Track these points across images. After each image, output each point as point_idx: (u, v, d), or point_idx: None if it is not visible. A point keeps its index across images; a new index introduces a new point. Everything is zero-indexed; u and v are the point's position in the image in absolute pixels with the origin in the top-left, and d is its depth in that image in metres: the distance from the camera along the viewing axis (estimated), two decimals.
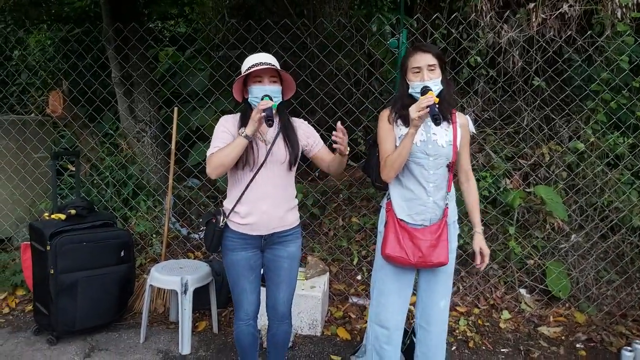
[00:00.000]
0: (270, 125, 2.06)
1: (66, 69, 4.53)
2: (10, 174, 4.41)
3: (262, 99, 2.13)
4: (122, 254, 3.38)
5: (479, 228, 2.44)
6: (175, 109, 3.80)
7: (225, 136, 2.25)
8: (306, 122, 2.46)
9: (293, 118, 2.42)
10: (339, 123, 2.11)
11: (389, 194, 2.36)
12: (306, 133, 2.40)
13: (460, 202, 3.63)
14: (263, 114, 2.05)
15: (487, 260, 2.41)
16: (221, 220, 2.30)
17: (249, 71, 2.21)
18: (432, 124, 2.21)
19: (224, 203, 2.38)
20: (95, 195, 4.40)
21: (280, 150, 2.28)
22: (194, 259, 4.06)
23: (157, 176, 4.60)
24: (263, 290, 2.47)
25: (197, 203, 4.31)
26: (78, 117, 4.52)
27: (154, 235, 4.21)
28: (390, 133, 2.31)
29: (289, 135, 2.31)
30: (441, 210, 2.31)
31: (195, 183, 4.83)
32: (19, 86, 5.14)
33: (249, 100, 2.27)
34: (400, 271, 2.35)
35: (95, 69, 4.18)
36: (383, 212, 2.40)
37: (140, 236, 4.25)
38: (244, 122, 2.24)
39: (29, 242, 3.40)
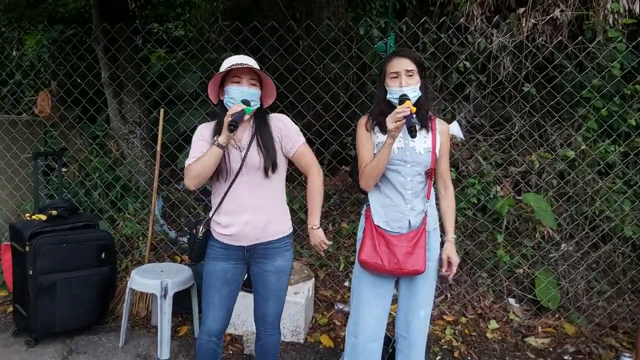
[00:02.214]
0: (231, 131, 1.98)
1: (54, 69, 4.50)
2: None
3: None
4: (103, 256, 3.33)
5: (450, 236, 2.37)
6: (162, 110, 3.77)
7: (202, 144, 2.16)
8: (286, 119, 2.28)
9: (271, 115, 2.28)
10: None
11: (368, 201, 2.32)
12: (282, 134, 2.23)
13: None
14: (230, 118, 1.97)
15: (454, 269, 2.36)
16: (200, 230, 2.22)
17: (226, 69, 2.11)
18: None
19: (210, 212, 2.28)
20: (81, 196, 4.36)
21: (254, 156, 2.16)
22: (181, 262, 4.01)
23: (144, 178, 4.56)
24: (250, 297, 2.39)
25: (182, 206, 4.26)
26: (65, 118, 4.49)
27: (140, 238, 4.17)
28: (368, 141, 2.27)
29: (263, 140, 2.18)
30: (420, 218, 2.26)
31: (184, 185, 4.78)
32: (7, 86, 5.11)
33: (224, 101, 2.16)
34: (377, 280, 2.30)
35: (83, 70, 4.15)
36: (362, 218, 2.36)
37: (126, 239, 4.21)
38: (218, 129, 2.14)
39: (9, 243, 3.35)
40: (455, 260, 2.35)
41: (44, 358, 3.07)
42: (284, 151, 2.24)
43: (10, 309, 3.63)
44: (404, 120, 1.99)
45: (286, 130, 2.23)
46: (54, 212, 3.28)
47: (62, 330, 3.22)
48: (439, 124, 2.31)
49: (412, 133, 1.99)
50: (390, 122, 2.03)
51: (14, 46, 5.44)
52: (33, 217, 3.30)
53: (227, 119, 1.99)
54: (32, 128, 4.58)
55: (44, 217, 3.26)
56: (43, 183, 4.53)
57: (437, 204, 2.41)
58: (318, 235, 2.29)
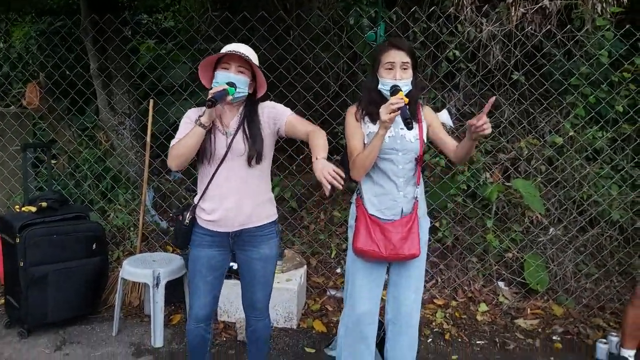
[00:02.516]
0: (208, 106, 1.97)
1: (42, 61, 4.46)
2: None
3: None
4: (94, 246, 3.33)
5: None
6: (151, 101, 3.76)
7: (188, 127, 2.14)
8: (272, 103, 2.28)
9: (261, 104, 2.28)
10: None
11: (359, 189, 2.33)
12: (270, 116, 2.23)
13: (433, 196, 3.63)
14: (210, 95, 1.97)
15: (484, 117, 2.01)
16: (187, 217, 2.22)
17: (217, 55, 2.13)
18: (400, 121, 2.18)
19: (195, 198, 2.28)
20: (71, 187, 4.34)
21: (239, 143, 2.16)
22: (173, 252, 4.01)
23: (134, 169, 4.55)
24: (227, 284, 2.40)
25: (173, 196, 4.26)
26: (54, 110, 4.46)
27: (131, 229, 4.16)
28: (357, 130, 2.28)
29: (250, 129, 2.17)
30: (411, 204, 2.29)
31: (175, 176, 4.78)
32: None
33: (212, 86, 2.16)
34: (371, 266, 2.32)
35: (71, 61, 4.12)
36: (353, 207, 2.37)
37: (117, 229, 4.20)
38: None
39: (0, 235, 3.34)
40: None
41: (37, 349, 3.07)
42: (279, 130, 2.22)
43: (2, 301, 3.62)
44: (398, 112, 2.00)
45: (274, 110, 2.23)
46: (44, 204, 3.27)
47: (55, 321, 3.22)
48: (423, 109, 2.34)
49: (409, 125, 1.98)
50: (384, 113, 2.01)
51: (0, 38, 5.38)
52: (23, 209, 3.28)
53: (209, 96, 2.00)
54: (21, 120, 4.56)
55: (33, 209, 3.24)
56: (32, 175, 4.50)
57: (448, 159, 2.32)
58: (322, 164, 1.94)
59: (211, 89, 2.21)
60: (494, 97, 2.03)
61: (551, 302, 3.59)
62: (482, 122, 1.98)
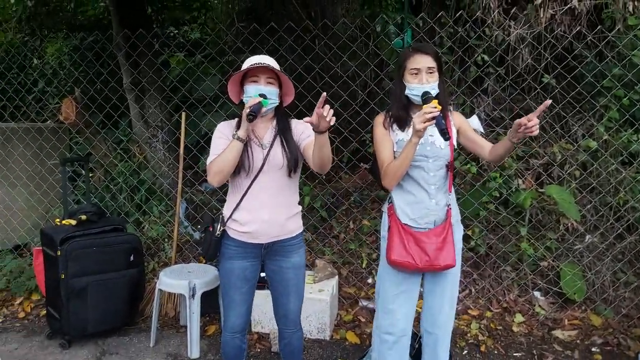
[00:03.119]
0: (250, 120, 1.99)
1: (77, 77, 4.59)
2: (26, 180, 4.49)
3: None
4: (132, 258, 3.40)
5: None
6: (183, 113, 3.83)
7: (222, 142, 2.18)
8: (301, 121, 2.26)
9: (292, 120, 2.34)
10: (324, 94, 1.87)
11: (390, 198, 2.33)
12: (299, 130, 2.26)
13: (464, 204, 3.59)
14: (248, 110, 2.00)
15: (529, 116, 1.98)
16: (218, 228, 2.25)
17: (245, 70, 2.16)
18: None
19: (223, 210, 2.31)
20: (108, 200, 4.46)
21: (278, 155, 2.20)
22: (206, 262, 4.07)
23: (168, 181, 4.64)
24: (260, 295, 2.42)
25: (206, 207, 4.33)
26: (90, 124, 4.59)
27: (166, 240, 4.25)
28: (386, 139, 2.27)
29: (286, 139, 2.22)
30: (444, 212, 2.27)
31: (207, 187, 4.86)
32: (32, 94, 5.24)
33: (243, 100, 2.21)
34: (405, 276, 2.31)
35: (106, 76, 4.24)
36: (385, 216, 2.36)
37: (152, 241, 4.29)
38: (238, 126, 2.18)
39: (41, 248, 3.45)
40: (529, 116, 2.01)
41: (79, 359, 3.16)
42: (300, 144, 2.24)
43: (44, 312, 3.74)
44: (433, 121, 1.98)
45: (305, 127, 2.24)
46: (84, 217, 3.37)
47: (94, 332, 3.31)
48: (451, 114, 2.32)
49: (445, 136, 1.97)
50: (418, 122, 1.99)
51: (35, 54, 5.57)
52: (63, 222, 3.39)
53: (246, 110, 2.03)
54: (58, 135, 4.70)
55: (73, 222, 3.34)
56: (70, 188, 4.64)
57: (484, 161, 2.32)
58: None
59: (240, 103, 2.27)
60: (549, 101, 2.01)
61: (589, 312, 3.50)
62: (533, 124, 1.96)
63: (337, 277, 3.64)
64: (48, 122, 5.15)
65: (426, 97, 2.09)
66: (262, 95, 2.10)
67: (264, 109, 2.11)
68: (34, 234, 4.49)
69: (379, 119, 2.33)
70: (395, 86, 2.30)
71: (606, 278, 3.57)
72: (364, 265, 3.91)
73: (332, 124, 1.89)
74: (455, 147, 2.30)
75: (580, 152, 3.74)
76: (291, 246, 2.29)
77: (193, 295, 3.11)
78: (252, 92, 2.14)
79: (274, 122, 2.28)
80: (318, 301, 3.29)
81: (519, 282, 3.69)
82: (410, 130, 2.16)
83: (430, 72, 2.17)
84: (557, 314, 3.52)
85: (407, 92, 2.21)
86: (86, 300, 3.22)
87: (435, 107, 1.98)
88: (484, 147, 2.29)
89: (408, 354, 2.44)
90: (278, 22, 4.12)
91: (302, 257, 2.35)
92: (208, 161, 2.19)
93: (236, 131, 2.12)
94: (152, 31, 4.31)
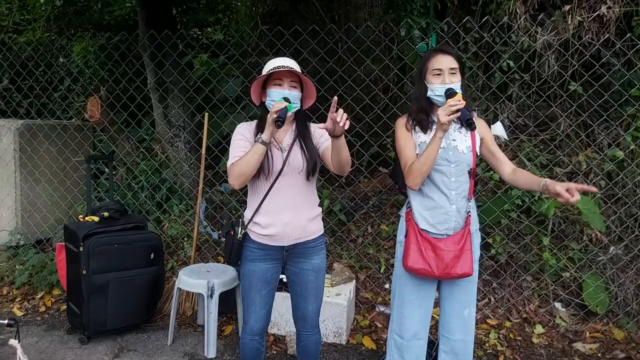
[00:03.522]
0: (278, 127, 1.98)
1: (103, 76, 4.66)
2: (50, 176, 4.58)
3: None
4: (152, 256, 3.44)
5: (544, 180, 2.13)
6: (206, 114, 3.86)
7: (243, 144, 2.19)
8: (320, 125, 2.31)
9: (311, 123, 2.33)
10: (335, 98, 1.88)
11: (408, 203, 2.31)
12: (318, 135, 2.27)
13: (486, 211, 3.54)
14: (275, 115, 1.99)
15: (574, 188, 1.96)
16: (239, 232, 2.25)
17: (268, 73, 2.16)
18: (451, 132, 2.17)
19: (245, 212, 2.32)
20: (129, 198, 4.51)
21: (297, 158, 2.20)
22: (224, 262, 4.10)
23: (189, 180, 4.68)
24: (277, 297, 2.41)
25: (226, 207, 4.36)
26: (114, 122, 4.65)
27: (185, 239, 4.28)
28: (409, 140, 2.26)
29: (306, 143, 2.22)
30: (463, 219, 2.24)
31: (227, 188, 4.89)
32: (59, 91, 5.34)
33: (266, 103, 2.21)
34: (420, 281, 2.30)
35: (131, 76, 4.30)
36: (403, 221, 2.35)
37: (172, 239, 4.33)
38: (260, 128, 2.18)
39: (64, 243, 3.50)
40: (568, 185, 2.00)
41: (97, 355, 3.20)
42: (319, 148, 2.26)
43: (64, 307, 3.80)
44: (458, 114, 1.98)
45: (324, 131, 2.20)
46: (106, 214, 3.41)
47: (113, 328, 3.34)
48: (476, 120, 2.30)
49: (472, 126, 1.99)
50: (442, 115, 1.99)
51: (62, 53, 5.68)
52: (86, 218, 3.43)
53: (273, 116, 2.00)
54: (83, 132, 4.78)
55: (96, 219, 3.39)
56: (93, 185, 4.72)
57: (504, 185, 2.29)
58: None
59: (261, 104, 2.27)
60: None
61: (611, 325, 3.43)
62: (575, 199, 1.93)
63: (354, 281, 3.62)
64: (73, 119, 5.24)
65: (450, 92, 2.09)
66: (286, 100, 2.10)
67: (288, 114, 2.10)
68: (57, 229, 4.57)
69: (402, 121, 2.32)
70: (417, 89, 2.29)
71: (630, 291, 3.49)
72: (382, 271, 3.89)
73: (346, 127, 1.89)
74: (478, 154, 2.28)
75: (606, 161, 3.67)
76: (312, 248, 2.29)
77: (211, 295, 3.13)
78: (276, 96, 2.14)
79: (294, 125, 2.28)
80: (335, 305, 3.29)
81: (539, 293, 3.63)
82: (432, 134, 2.16)
83: (453, 73, 2.15)
84: (578, 326, 3.45)
85: (429, 93, 2.20)
86: (106, 296, 3.26)
87: (460, 100, 1.99)
88: (504, 164, 2.29)
89: (425, 356, 2.41)
90: (301, 25, 4.13)
91: (323, 259, 2.35)
92: (229, 163, 2.19)
93: (258, 134, 2.12)
94: (178, 32, 4.35)
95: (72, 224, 3.46)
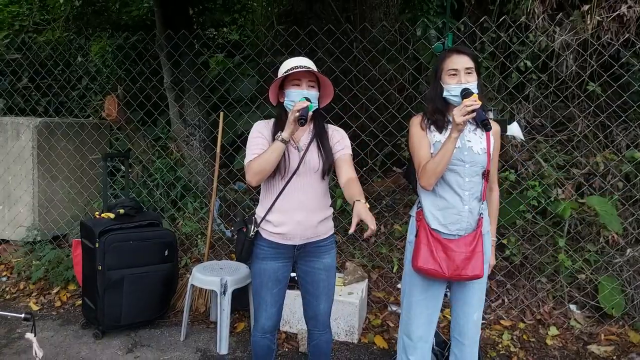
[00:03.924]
0: (302, 125, 2.01)
1: (120, 75, 4.72)
2: (67, 174, 4.64)
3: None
4: (166, 253, 3.47)
5: (494, 238, 2.38)
6: (221, 113, 3.89)
7: (261, 141, 2.21)
8: (342, 130, 2.36)
9: (329, 125, 2.35)
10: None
11: (419, 203, 2.30)
12: (336, 139, 2.29)
13: (504, 213, 3.51)
14: (297, 114, 2.01)
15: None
16: (252, 229, 2.26)
17: (287, 73, 2.17)
18: (466, 132, 2.17)
19: (257, 211, 2.33)
20: (145, 195, 4.56)
21: (314, 157, 2.21)
22: (236, 260, 4.12)
23: (203, 178, 4.72)
24: (289, 295, 2.43)
25: (240, 205, 4.38)
26: (131, 121, 4.71)
27: (199, 236, 4.31)
28: (424, 139, 2.24)
29: (322, 143, 2.23)
30: (475, 220, 2.22)
31: (240, 186, 4.92)
32: (76, 90, 5.42)
33: (284, 104, 2.22)
34: (430, 282, 2.28)
35: (148, 75, 4.35)
36: (413, 221, 2.33)
37: (186, 237, 4.37)
38: (278, 127, 2.20)
39: (80, 239, 3.55)
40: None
41: (111, 350, 3.23)
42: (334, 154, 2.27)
43: (79, 302, 3.85)
44: (474, 114, 1.97)
45: (342, 138, 2.30)
46: (122, 211, 3.46)
47: (127, 324, 3.38)
48: (492, 124, 2.28)
49: (487, 126, 1.98)
50: (458, 115, 1.99)
51: (81, 52, 5.77)
52: (102, 215, 3.48)
53: (295, 114, 2.02)
54: (100, 130, 4.84)
55: (112, 216, 3.43)
56: (109, 183, 4.78)
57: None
58: (364, 208, 1.99)
59: (278, 104, 2.28)
60: None
61: (627, 328, 3.38)
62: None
63: (366, 280, 3.62)
64: (90, 118, 5.31)
65: (466, 92, 2.08)
66: (307, 99, 2.11)
67: (310, 113, 2.12)
68: (73, 225, 4.63)
69: (416, 120, 2.30)
70: (433, 89, 2.27)
71: None
72: (394, 270, 3.88)
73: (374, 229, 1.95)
74: (492, 156, 2.26)
75: (624, 162, 3.62)
76: (324, 247, 2.30)
77: (224, 292, 3.15)
78: (295, 97, 2.15)
79: (311, 125, 2.29)
80: (348, 304, 3.28)
81: (554, 294, 3.59)
82: (447, 133, 2.15)
83: (469, 73, 2.14)
84: (593, 329, 3.40)
85: (445, 93, 2.18)
86: (121, 292, 3.30)
87: (476, 101, 1.98)
88: (487, 188, 2.30)
89: (430, 358, 2.41)
90: (317, 25, 4.14)
91: (333, 258, 2.35)
92: (246, 160, 2.20)
93: (278, 132, 2.13)
94: (194, 32, 4.39)
95: (88, 220, 3.51)
